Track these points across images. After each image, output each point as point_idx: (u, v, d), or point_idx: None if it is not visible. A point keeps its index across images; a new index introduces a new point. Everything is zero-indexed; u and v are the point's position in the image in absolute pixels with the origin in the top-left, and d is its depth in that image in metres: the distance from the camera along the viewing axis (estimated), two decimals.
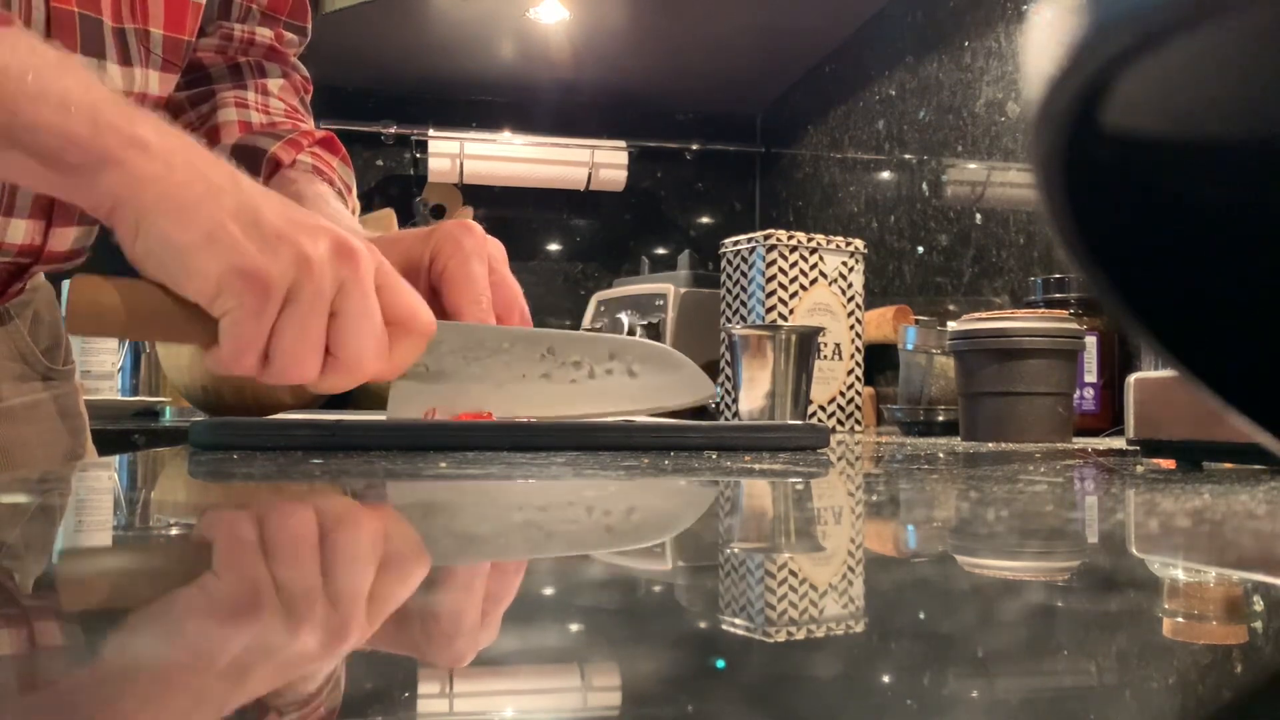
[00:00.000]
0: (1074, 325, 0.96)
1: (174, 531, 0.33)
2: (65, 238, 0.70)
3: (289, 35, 0.86)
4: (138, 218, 0.51)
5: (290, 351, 0.54)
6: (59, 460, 0.79)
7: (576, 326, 2.09)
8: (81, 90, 0.51)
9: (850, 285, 1.36)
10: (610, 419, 0.67)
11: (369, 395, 1.75)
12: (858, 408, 1.37)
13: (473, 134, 2.30)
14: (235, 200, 0.52)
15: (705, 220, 2.54)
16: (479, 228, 0.70)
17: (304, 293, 0.53)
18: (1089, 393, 1.17)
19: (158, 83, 0.71)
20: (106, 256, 0.62)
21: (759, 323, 1.30)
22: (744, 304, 1.34)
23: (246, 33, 0.83)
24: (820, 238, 1.34)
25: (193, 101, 0.82)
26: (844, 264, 1.36)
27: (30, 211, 0.68)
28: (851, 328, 1.36)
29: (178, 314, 0.53)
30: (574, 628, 0.18)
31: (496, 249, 0.70)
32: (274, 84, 0.84)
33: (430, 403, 0.64)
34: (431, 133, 2.27)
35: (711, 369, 1.63)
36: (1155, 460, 0.64)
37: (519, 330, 0.67)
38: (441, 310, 0.67)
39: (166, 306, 0.53)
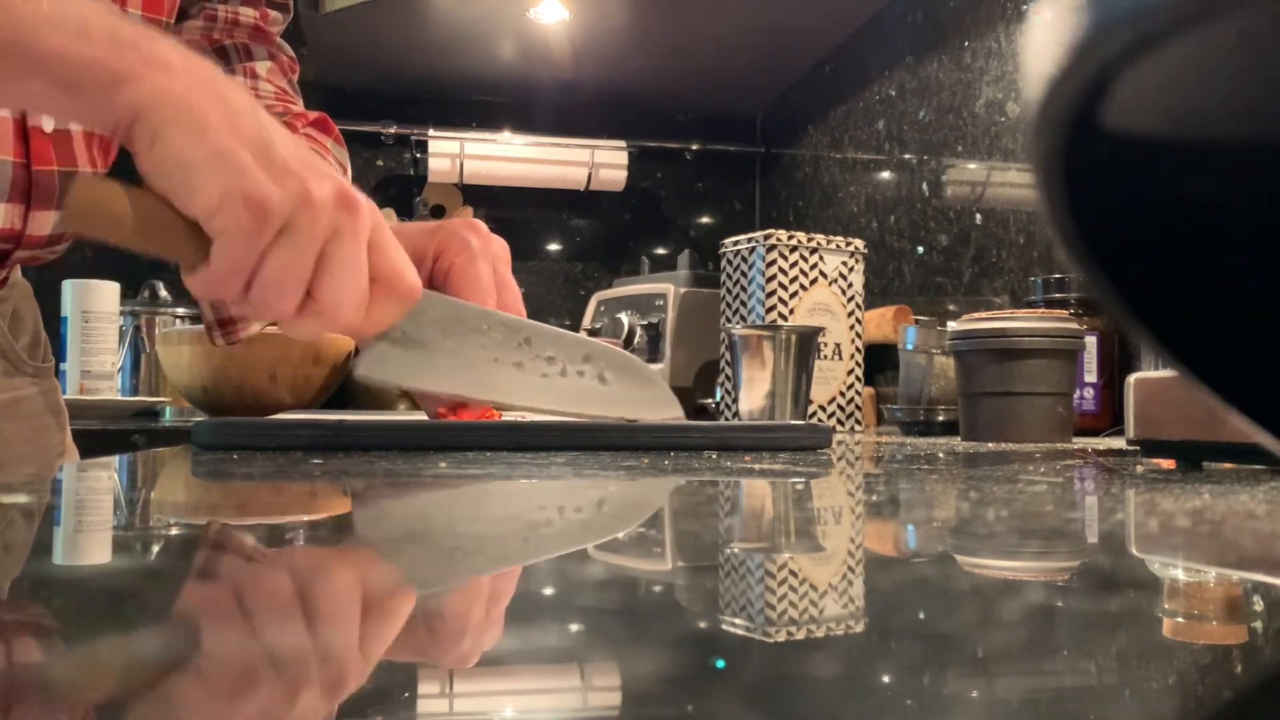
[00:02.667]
0: (1074, 325, 0.96)
1: (174, 532, 0.33)
2: (45, 222, 0.70)
3: (273, 13, 0.86)
4: (155, 130, 0.51)
5: (274, 283, 0.53)
6: (40, 457, 0.79)
7: (576, 326, 2.09)
8: (96, 13, 0.51)
9: (850, 285, 1.36)
10: (611, 420, 0.67)
11: (369, 396, 1.75)
12: (858, 408, 1.37)
13: (473, 134, 2.29)
14: (252, 126, 0.53)
15: (705, 220, 2.54)
16: (485, 227, 0.70)
17: (300, 227, 0.53)
18: (1089, 393, 1.17)
19: None
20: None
21: (759, 323, 1.30)
22: (744, 304, 1.34)
23: (231, 12, 0.83)
24: (820, 238, 1.34)
25: None
26: (844, 264, 1.36)
27: (9, 195, 0.67)
28: (851, 328, 1.36)
29: (173, 228, 0.53)
30: (574, 628, 0.18)
31: (501, 249, 0.70)
32: (261, 66, 0.84)
33: (400, 368, 0.63)
34: (431, 133, 2.27)
35: (711, 369, 1.63)
36: (1155, 460, 0.64)
37: (500, 315, 0.66)
38: None
39: (164, 218, 0.53)
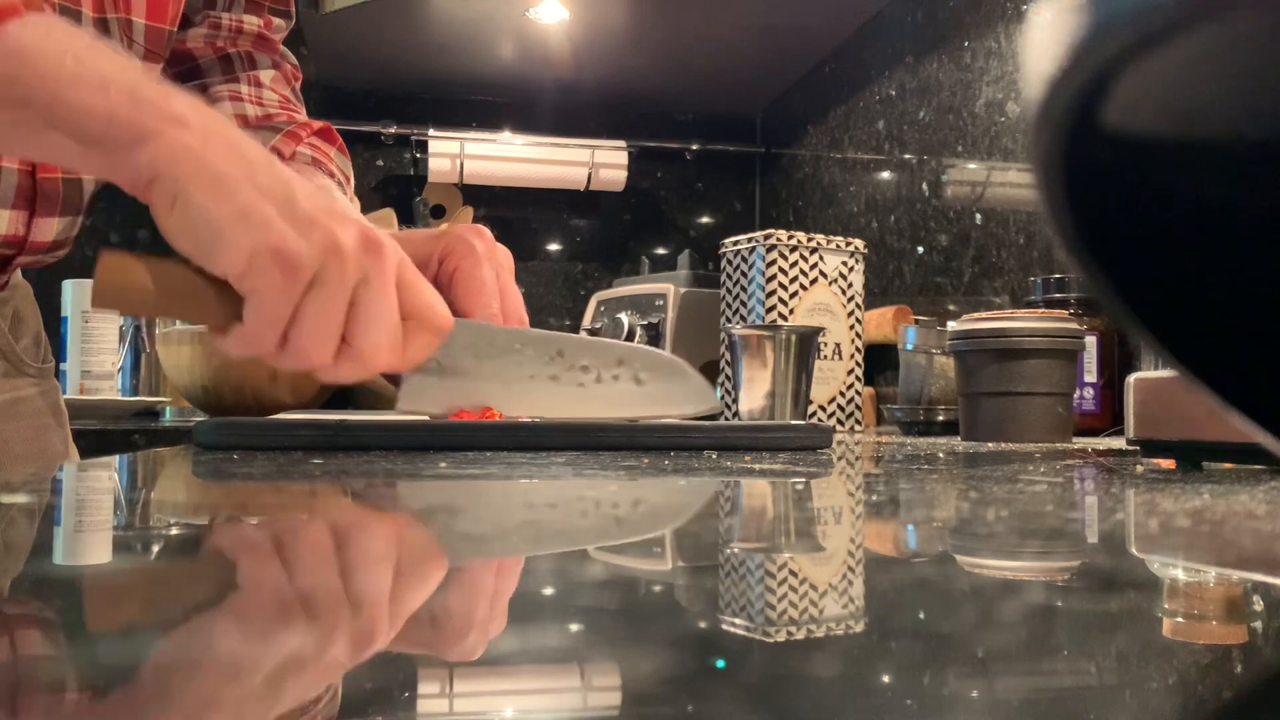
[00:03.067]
0: (1074, 325, 0.96)
1: (176, 533, 0.33)
2: (48, 228, 0.70)
3: (276, 21, 0.86)
4: (175, 190, 0.51)
5: (309, 335, 0.54)
6: (40, 457, 0.79)
7: (576, 327, 2.09)
8: (118, 70, 0.51)
9: (850, 285, 1.36)
10: (614, 419, 0.67)
11: (370, 395, 1.74)
12: (858, 408, 1.37)
13: (473, 134, 2.29)
14: (271, 179, 0.53)
15: (705, 220, 2.54)
16: (489, 234, 0.71)
17: (330, 278, 0.53)
18: (1089, 393, 1.17)
19: None
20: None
21: (759, 323, 1.30)
22: (744, 304, 1.34)
23: (235, 20, 0.83)
24: (820, 238, 1.34)
25: None
26: (844, 264, 1.36)
27: (13, 202, 0.68)
28: (851, 328, 1.36)
29: (202, 293, 0.54)
30: (574, 627, 0.18)
31: (505, 257, 0.71)
32: (265, 75, 0.84)
33: (440, 398, 0.65)
34: (431, 133, 2.27)
35: (711, 369, 1.63)
36: (1155, 460, 0.64)
37: (531, 331, 0.68)
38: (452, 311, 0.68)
39: (192, 285, 0.54)
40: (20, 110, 0.50)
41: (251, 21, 0.84)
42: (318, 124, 0.81)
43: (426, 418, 0.67)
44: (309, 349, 0.54)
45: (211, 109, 0.55)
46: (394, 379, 0.65)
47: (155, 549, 0.29)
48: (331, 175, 0.77)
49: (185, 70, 0.82)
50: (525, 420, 0.67)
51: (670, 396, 0.69)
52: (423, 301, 0.58)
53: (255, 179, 0.52)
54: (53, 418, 0.83)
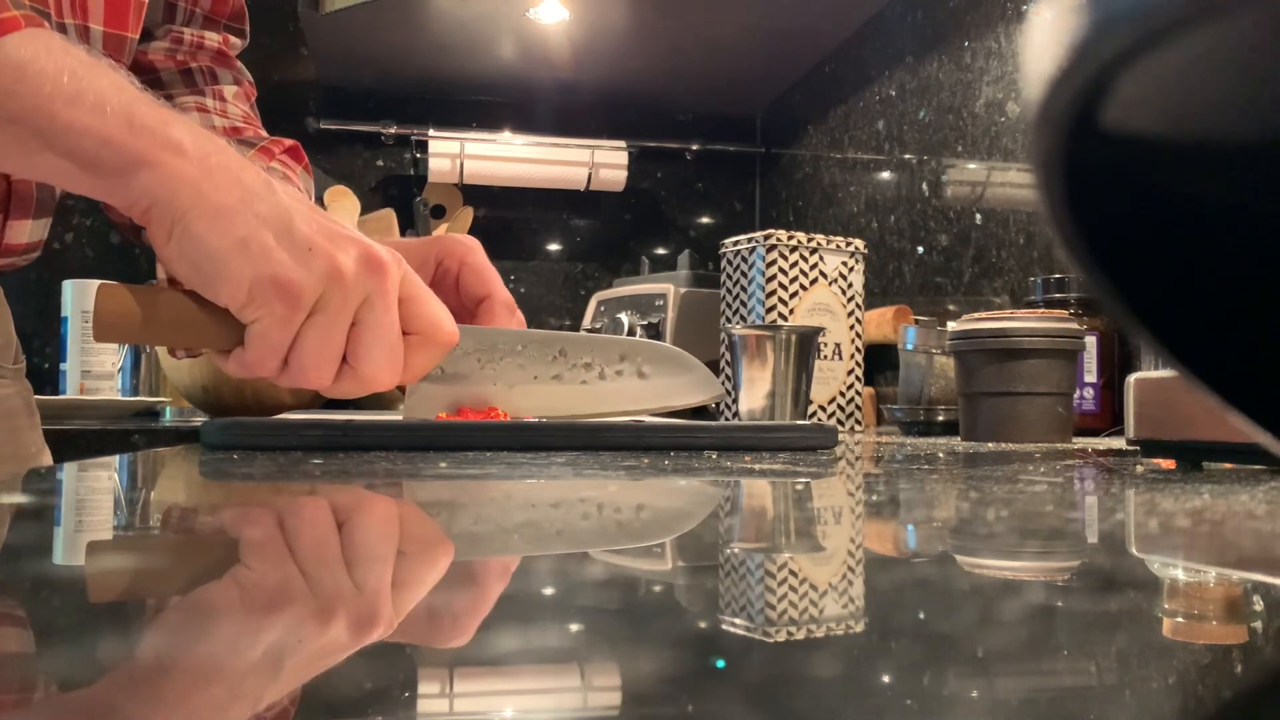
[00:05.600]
0: (1074, 325, 0.96)
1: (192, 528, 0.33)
2: (22, 230, 0.70)
3: (233, 39, 0.87)
4: (173, 220, 0.51)
5: (310, 359, 0.54)
6: (16, 458, 0.79)
7: (576, 326, 2.09)
8: (115, 91, 0.51)
9: (850, 285, 1.36)
10: (619, 419, 0.67)
11: (369, 396, 1.75)
12: (858, 408, 1.37)
13: (473, 134, 2.29)
14: (269, 206, 0.53)
15: (705, 220, 2.54)
16: (478, 242, 0.74)
17: (332, 304, 0.54)
18: (1089, 393, 1.17)
19: None
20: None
21: (759, 323, 1.30)
22: (744, 304, 1.34)
23: (196, 36, 0.84)
24: (820, 238, 1.34)
25: None
26: (844, 264, 1.36)
27: None
28: (851, 328, 1.36)
29: (200, 320, 0.54)
30: (574, 627, 0.18)
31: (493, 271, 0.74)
32: (229, 90, 0.85)
33: (445, 404, 0.65)
34: (431, 133, 2.27)
35: (712, 369, 1.63)
36: (1155, 460, 0.64)
37: (532, 332, 0.69)
38: (463, 306, 0.70)
39: (189, 313, 0.54)
40: (16, 127, 0.49)
41: (211, 38, 0.85)
42: (287, 142, 0.81)
43: (433, 418, 0.67)
44: (310, 371, 0.55)
45: (209, 133, 0.54)
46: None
47: (159, 548, 0.29)
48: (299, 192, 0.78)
49: (147, 81, 0.82)
50: (530, 420, 0.67)
51: (676, 388, 0.69)
52: (427, 316, 0.58)
53: (255, 208, 0.52)
54: (26, 418, 0.83)
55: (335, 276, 0.53)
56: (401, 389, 0.65)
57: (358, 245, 0.55)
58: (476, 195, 2.37)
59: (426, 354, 0.59)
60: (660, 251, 2.47)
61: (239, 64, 0.88)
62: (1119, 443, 0.92)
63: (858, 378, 1.37)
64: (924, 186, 1.71)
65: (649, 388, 0.69)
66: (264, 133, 0.85)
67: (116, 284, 0.56)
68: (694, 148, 2.46)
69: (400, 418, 0.66)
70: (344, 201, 1.92)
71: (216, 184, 0.52)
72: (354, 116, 2.27)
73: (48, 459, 0.85)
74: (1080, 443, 0.96)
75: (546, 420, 0.67)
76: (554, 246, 2.47)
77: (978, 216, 1.55)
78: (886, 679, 0.16)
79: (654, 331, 1.77)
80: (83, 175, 0.51)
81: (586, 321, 1.92)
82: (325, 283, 0.53)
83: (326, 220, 0.55)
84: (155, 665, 0.16)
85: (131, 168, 0.50)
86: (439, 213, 2.35)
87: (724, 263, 1.39)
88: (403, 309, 0.57)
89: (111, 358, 1.77)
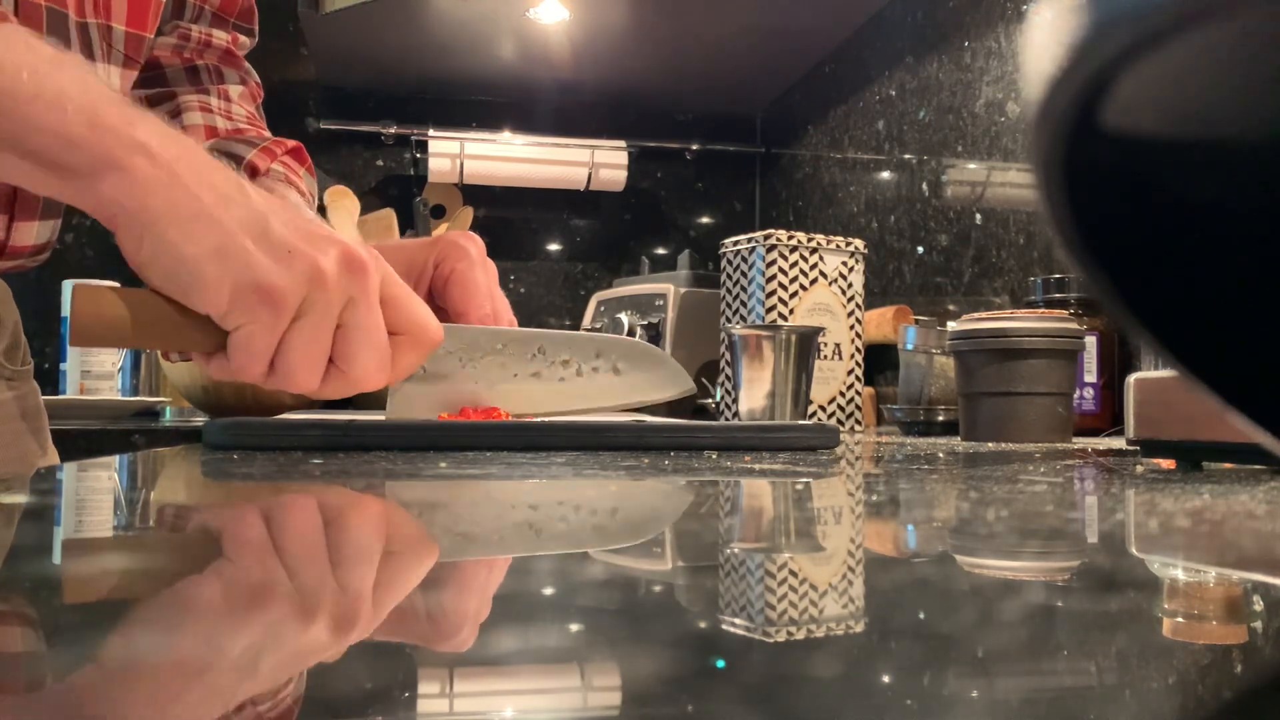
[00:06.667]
0: (1074, 325, 0.96)
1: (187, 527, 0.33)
2: (28, 231, 0.70)
3: (242, 38, 0.86)
4: (143, 226, 0.50)
5: (297, 362, 0.54)
6: (19, 461, 0.79)
7: (576, 326, 2.09)
8: (79, 89, 0.49)
9: (850, 285, 1.36)
10: (621, 419, 0.68)
11: (370, 396, 1.75)
12: (858, 408, 1.37)
13: (473, 134, 2.29)
14: (244, 210, 0.51)
15: (705, 220, 2.54)
16: (480, 240, 0.73)
17: (315, 307, 0.53)
18: (1089, 393, 1.17)
19: (118, 79, 0.71)
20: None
21: (759, 323, 1.30)
22: (744, 304, 1.34)
23: (203, 34, 0.83)
24: (820, 238, 1.34)
25: (152, 102, 0.82)
26: (844, 264, 1.36)
27: None
28: (851, 328, 1.36)
29: (182, 323, 0.53)
30: (574, 627, 0.18)
31: (493, 268, 0.73)
32: (234, 90, 0.85)
33: (428, 404, 0.66)
34: (431, 133, 2.27)
35: (711, 369, 1.63)
36: (1155, 460, 0.64)
37: (511, 331, 0.70)
38: (444, 314, 0.69)
39: (170, 316, 0.53)
40: None
41: (220, 36, 0.84)
42: (290, 143, 0.81)
43: (435, 418, 0.67)
44: (298, 375, 0.54)
45: (178, 132, 0.53)
46: None
47: (162, 548, 0.29)
48: (302, 194, 0.77)
49: (152, 77, 0.82)
50: (530, 420, 0.67)
51: (648, 383, 0.71)
52: (410, 316, 0.58)
53: (229, 211, 0.51)
54: (26, 421, 0.82)
55: (317, 279, 0.52)
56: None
57: (337, 245, 0.54)
58: (476, 195, 2.37)
59: (413, 354, 0.59)
60: (660, 251, 2.47)
61: (246, 64, 0.88)
62: (1119, 443, 0.92)
63: (858, 378, 1.37)
64: (924, 186, 1.71)
65: (623, 383, 0.70)
66: (268, 134, 0.84)
67: (94, 286, 0.55)
68: (694, 148, 2.46)
69: (405, 420, 0.66)
70: (344, 202, 1.92)
71: (187, 188, 0.50)
72: (354, 116, 2.27)
73: (53, 461, 0.85)
74: (1080, 443, 0.96)
75: (546, 420, 0.67)
76: (554, 246, 2.47)
77: (978, 216, 1.55)
78: (886, 679, 0.16)
79: (654, 331, 1.77)
80: (46, 177, 0.49)
81: (586, 321, 1.92)
82: (308, 286, 0.52)
83: (302, 220, 0.54)
84: (167, 665, 0.16)
85: (97, 170, 0.49)
86: (439, 213, 2.35)
87: (724, 263, 1.39)
88: (386, 310, 0.56)
89: (111, 358, 1.77)
